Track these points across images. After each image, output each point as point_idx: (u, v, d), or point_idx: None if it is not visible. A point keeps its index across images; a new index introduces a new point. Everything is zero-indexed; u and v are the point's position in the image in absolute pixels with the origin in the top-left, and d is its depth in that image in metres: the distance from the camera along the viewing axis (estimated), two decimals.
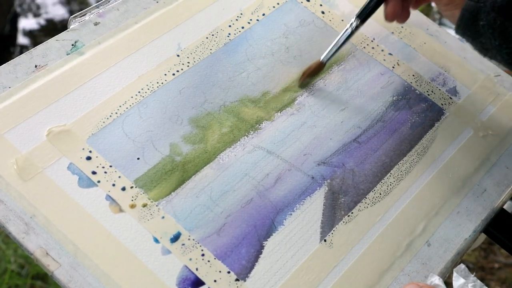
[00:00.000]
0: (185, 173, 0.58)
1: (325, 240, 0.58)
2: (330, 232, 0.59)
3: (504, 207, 0.67)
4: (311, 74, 0.68)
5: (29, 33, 2.09)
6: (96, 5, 0.67)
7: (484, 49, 0.58)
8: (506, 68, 0.63)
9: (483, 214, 0.64)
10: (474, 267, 1.50)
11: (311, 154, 0.63)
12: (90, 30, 0.65)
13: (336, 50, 0.67)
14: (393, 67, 0.72)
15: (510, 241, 0.65)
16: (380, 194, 0.62)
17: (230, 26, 0.70)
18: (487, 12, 0.55)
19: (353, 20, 0.66)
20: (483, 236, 0.67)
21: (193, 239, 0.55)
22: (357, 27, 0.66)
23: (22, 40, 2.07)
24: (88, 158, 0.57)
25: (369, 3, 0.65)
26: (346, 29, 0.66)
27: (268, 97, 0.66)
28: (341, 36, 0.67)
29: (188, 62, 0.66)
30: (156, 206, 0.56)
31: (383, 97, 0.70)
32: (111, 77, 0.63)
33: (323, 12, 0.74)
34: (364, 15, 0.66)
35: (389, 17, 0.66)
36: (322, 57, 0.67)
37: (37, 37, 2.08)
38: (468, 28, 0.58)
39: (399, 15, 0.66)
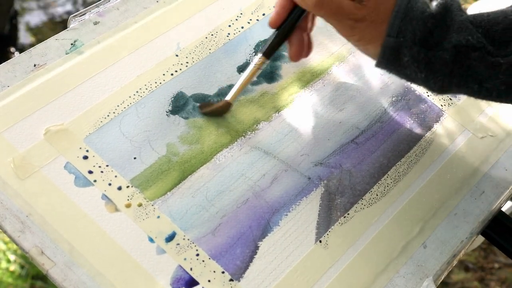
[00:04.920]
0: (181, 173, 0.59)
1: (320, 241, 0.58)
2: (325, 233, 0.59)
3: (503, 209, 0.67)
4: (215, 113, 0.63)
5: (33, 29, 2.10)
6: (96, 4, 0.67)
7: (409, 79, 0.56)
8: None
9: (480, 216, 0.64)
10: (474, 267, 1.50)
11: (308, 154, 0.63)
12: (89, 29, 0.65)
13: (243, 88, 0.63)
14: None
15: (508, 243, 0.64)
16: (377, 195, 0.62)
17: (229, 26, 0.70)
18: (409, 47, 0.53)
19: (258, 57, 0.61)
20: (482, 237, 0.67)
21: (188, 239, 0.55)
22: (262, 63, 0.62)
23: (23, 39, 2.08)
24: (85, 157, 0.57)
25: (272, 41, 0.61)
26: (251, 68, 0.62)
27: (267, 97, 0.66)
28: (247, 75, 0.62)
29: (187, 62, 0.66)
30: (152, 205, 0.56)
31: (382, 98, 0.70)
32: (109, 76, 0.63)
33: None
34: (269, 52, 0.61)
35: (293, 59, 0.62)
36: (228, 98, 0.62)
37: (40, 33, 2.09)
38: (391, 63, 0.55)
39: (304, 53, 0.63)
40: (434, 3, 0.54)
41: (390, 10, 0.54)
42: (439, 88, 0.55)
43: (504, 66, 0.52)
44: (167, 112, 0.62)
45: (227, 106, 0.63)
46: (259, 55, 0.62)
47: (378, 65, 0.56)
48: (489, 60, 0.52)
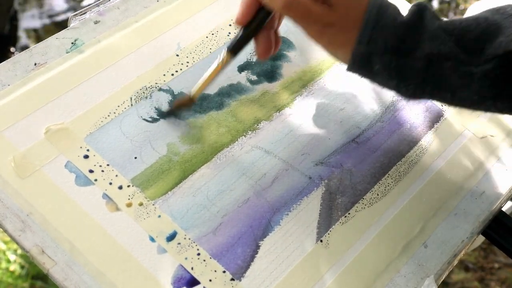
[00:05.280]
0: (182, 172, 0.59)
1: (321, 241, 0.58)
2: (326, 232, 0.59)
3: (503, 209, 0.67)
4: (178, 108, 0.62)
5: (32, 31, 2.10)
6: (96, 4, 0.67)
7: (381, 85, 0.55)
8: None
9: (481, 216, 0.64)
10: (474, 267, 1.50)
11: (309, 154, 0.63)
12: (90, 28, 0.65)
13: (207, 85, 0.61)
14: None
15: (508, 243, 0.64)
16: (378, 195, 0.62)
17: (230, 25, 0.70)
18: (380, 55, 0.52)
19: (223, 53, 0.60)
20: (483, 236, 0.67)
21: (189, 238, 0.55)
22: (228, 61, 0.60)
23: (23, 39, 2.08)
24: (86, 156, 0.57)
25: (238, 38, 0.59)
26: (217, 64, 0.60)
27: (267, 97, 0.66)
28: (211, 71, 0.60)
29: (187, 62, 0.66)
30: (153, 205, 0.56)
31: (383, 97, 0.70)
32: (110, 76, 0.63)
33: None
34: (235, 49, 0.59)
35: (261, 57, 0.60)
36: (192, 94, 0.61)
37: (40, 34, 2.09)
38: (362, 70, 0.54)
39: (272, 51, 0.61)
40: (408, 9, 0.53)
41: (360, 16, 0.53)
42: (411, 95, 0.54)
43: (477, 76, 0.51)
44: (167, 112, 0.62)
45: (189, 102, 0.62)
46: (225, 51, 0.60)
47: (349, 69, 0.55)
48: (462, 70, 0.51)
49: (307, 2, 0.53)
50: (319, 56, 0.70)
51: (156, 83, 0.63)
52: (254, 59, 0.68)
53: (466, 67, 0.51)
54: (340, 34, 0.54)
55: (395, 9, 0.53)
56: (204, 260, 0.54)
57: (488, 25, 0.52)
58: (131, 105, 0.61)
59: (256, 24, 0.58)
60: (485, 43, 0.51)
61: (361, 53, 0.53)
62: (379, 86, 0.56)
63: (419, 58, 0.51)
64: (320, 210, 0.60)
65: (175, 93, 0.63)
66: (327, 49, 0.56)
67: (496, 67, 0.50)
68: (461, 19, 0.53)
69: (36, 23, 2.13)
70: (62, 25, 2.09)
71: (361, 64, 0.53)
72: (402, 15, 0.53)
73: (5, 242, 1.47)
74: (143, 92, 0.62)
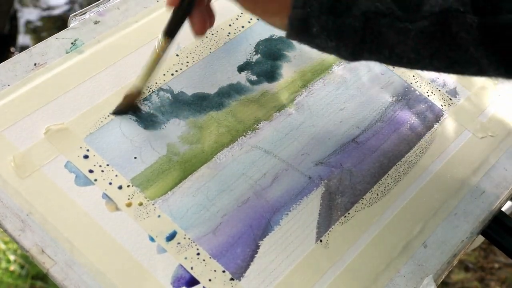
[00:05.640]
0: (182, 172, 0.59)
1: (321, 241, 0.58)
2: (326, 232, 0.59)
3: (503, 209, 0.67)
4: (128, 102, 0.61)
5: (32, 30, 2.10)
6: (96, 4, 0.67)
7: (321, 49, 0.54)
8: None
9: (481, 216, 0.64)
10: (474, 267, 1.50)
11: (309, 154, 0.63)
12: (90, 28, 0.65)
13: (150, 74, 0.60)
14: (393, 67, 0.72)
15: (508, 243, 0.64)
16: (378, 195, 0.62)
17: (230, 25, 0.70)
18: (317, 16, 0.51)
19: (159, 38, 0.58)
20: (482, 236, 0.67)
21: (189, 238, 0.55)
22: (167, 45, 0.59)
23: (23, 39, 2.08)
24: (85, 156, 0.57)
25: (172, 20, 0.58)
26: (156, 51, 0.59)
27: (267, 97, 0.66)
28: (152, 59, 0.59)
29: (187, 62, 0.66)
30: (152, 205, 0.56)
31: (383, 97, 0.70)
32: (110, 76, 0.63)
33: None
34: (171, 32, 0.58)
35: (198, 34, 0.60)
36: (137, 84, 0.60)
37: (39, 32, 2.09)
38: (300, 34, 0.53)
39: (208, 25, 0.61)
40: None
41: None
42: (350, 55, 0.53)
43: (412, 32, 0.50)
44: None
45: (137, 94, 0.61)
46: (160, 36, 0.58)
47: (288, 36, 0.54)
48: (398, 26, 0.50)
49: None
50: (319, 56, 0.70)
51: (156, 83, 0.63)
52: (254, 59, 0.68)
53: (402, 24, 0.50)
54: (273, 2, 0.53)
55: None
56: (204, 260, 0.54)
57: None
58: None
59: (187, 2, 0.57)
60: (422, 0, 0.50)
61: (298, 18, 0.52)
62: (319, 50, 0.55)
63: (356, 16, 0.51)
64: (319, 210, 0.60)
65: (175, 93, 0.63)
66: (263, 19, 0.56)
67: (432, 24, 0.49)
68: None
69: (36, 23, 2.13)
70: (62, 18, 2.09)
71: (299, 28, 0.52)
72: None
73: (5, 242, 1.47)
74: (143, 92, 0.62)
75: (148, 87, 0.63)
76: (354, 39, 0.51)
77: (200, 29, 0.60)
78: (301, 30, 0.52)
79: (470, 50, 0.50)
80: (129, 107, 0.61)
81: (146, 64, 0.60)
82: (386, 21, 0.50)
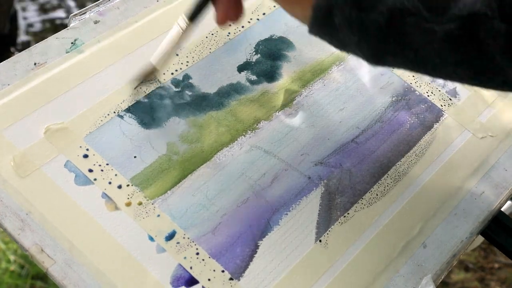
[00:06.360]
0: (181, 172, 0.59)
1: (320, 241, 0.58)
2: (325, 232, 0.59)
3: (502, 209, 0.67)
4: (144, 79, 0.62)
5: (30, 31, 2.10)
6: (96, 3, 0.67)
7: (342, 45, 0.53)
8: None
9: (480, 216, 0.64)
10: (474, 267, 1.50)
11: (308, 154, 0.63)
12: (90, 28, 0.66)
13: (170, 54, 0.60)
14: (393, 69, 0.72)
15: (508, 243, 0.64)
16: (377, 195, 0.62)
17: (230, 25, 0.70)
18: (341, 7, 0.50)
19: (180, 22, 0.58)
20: (482, 237, 0.67)
21: (188, 238, 0.55)
22: (189, 28, 0.58)
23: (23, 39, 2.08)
24: (85, 156, 0.57)
25: (195, 3, 0.57)
26: (177, 30, 0.59)
27: (267, 97, 0.66)
28: (173, 38, 0.59)
29: (187, 62, 0.66)
30: (152, 204, 0.56)
31: (383, 97, 0.70)
32: (110, 75, 0.63)
33: None
34: (194, 15, 0.58)
35: (220, 22, 0.58)
36: (153, 62, 0.61)
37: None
38: (324, 27, 0.52)
39: (232, 15, 0.58)
40: None
41: None
42: (373, 56, 0.52)
43: (438, 34, 0.49)
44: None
45: (154, 72, 0.61)
46: (181, 19, 0.58)
47: (311, 30, 0.53)
48: (424, 27, 0.49)
49: None
50: (319, 56, 0.71)
51: (156, 83, 0.63)
52: (254, 59, 0.68)
53: (428, 24, 0.49)
54: None
55: None
56: (203, 260, 0.54)
57: None
58: (131, 103, 0.61)
59: None
60: (450, 2, 0.49)
61: (323, 7, 0.51)
62: (340, 47, 0.54)
63: (381, 12, 0.49)
64: (319, 210, 0.60)
65: (175, 91, 0.63)
66: (285, 8, 0.55)
67: (459, 28, 0.48)
68: None
69: (36, 24, 2.13)
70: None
71: (322, 19, 0.51)
72: None
73: (5, 242, 1.48)
74: (144, 92, 0.62)
75: (147, 86, 0.63)
76: (378, 36, 0.50)
77: (223, 18, 0.57)
78: (324, 21, 0.51)
79: (496, 58, 0.49)
80: (145, 82, 0.61)
81: (165, 43, 0.59)
82: (412, 20, 0.49)
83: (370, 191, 0.62)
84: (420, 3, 0.49)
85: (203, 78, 0.65)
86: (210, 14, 0.59)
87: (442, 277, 0.60)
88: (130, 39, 0.66)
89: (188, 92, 0.64)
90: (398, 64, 0.53)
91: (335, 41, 0.53)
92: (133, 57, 0.65)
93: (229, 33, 0.70)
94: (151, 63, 0.61)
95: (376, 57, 0.52)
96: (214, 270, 0.54)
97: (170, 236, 0.55)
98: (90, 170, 0.56)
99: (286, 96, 0.67)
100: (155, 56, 0.61)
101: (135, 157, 0.58)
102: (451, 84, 0.73)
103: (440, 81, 0.73)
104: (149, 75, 0.62)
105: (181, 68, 0.65)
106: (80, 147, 0.58)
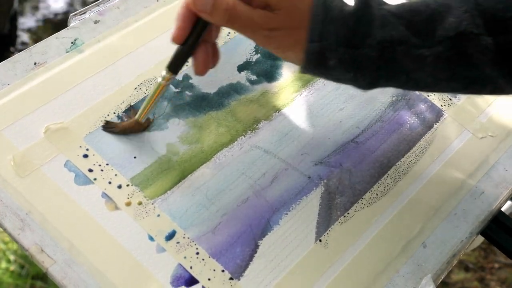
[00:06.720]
0: (181, 172, 0.59)
1: (320, 240, 0.58)
2: (325, 232, 0.59)
3: (502, 209, 0.67)
4: (125, 132, 0.60)
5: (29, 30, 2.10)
6: (96, 3, 0.67)
7: (337, 80, 0.54)
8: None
9: (480, 216, 0.64)
10: (474, 267, 1.50)
11: (308, 153, 0.63)
12: (90, 28, 0.66)
13: (152, 106, 0.58)
14: None
15: (508, 243, 0.64)
16: (377, 194, 0.62)
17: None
18: (334, 49, 0.51)
19: (163, 73, 0.56)
20: (482, 237, 0.67)
21: (188, 238, 0.55)
22: (170, 80, 0.57)
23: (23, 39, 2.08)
24: (85, 156, 0.57)
25: (177, 56, 0.56)
26: (158, 84, 0.57)
27: (267, 97, 0.66)
28: (153, 92, 0.57)
29: (187, 62, 0.66)
30: (152, 204, 0.56)
31: (383, 97, 0.70)
32: (109, 75, 0.63)
33: None
34: (175, 67, 0.56)
35: (200, 73, 0.56)
36: (137, 117, 0.59)
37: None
38: (317, 68, 0.53)
39: (211, 65, 0.57)
40: None
41: (305, 15, 0.51)
42: (367, 84, 0.53)
43: (429, 58, 0.50)
44: (167, 111, 0.62)
45: (137, 125, 0.60)
46: (164, 71, 0.56)
47: (304, 71, 0.54)
48: (415, 53, 0.50)
49: (248, 11, 0.51)
50: None
51: (156, 82, 0.63)
52: (254, 58, 0.68)
53: (418, 51, 0.50)
54: (288, 36, 0.52)
55: (340, 0, 0.52)
56: (203, 259, 0.54)
57: (438, 6, 0.51)
58: (131, 103, 0.61)
59: (193, 39, 0.54)
60: (436, 24, 0.50)
61: (315, 51, 0.51)
62: (334, 81, 0.55)
63: (372, 47, 0.50)
64: (319, 210, 0.60)
65: (175, 92, 0.63)
66: (277, 53, 0.55)
67: (448, 49, 0.50)
68: (411, 2, 0.52)
69: (36, 24, 2.13)
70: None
71: (316, 62, 0.52)
72: (348, 5, 0.51)
73: (5, 242, 1.48)
74: (144, 92, 0.62)
75: (149, 86, 0.63)
76: (371, 68, 0.51)
77: (202, 68, 0.56)
78: (318, 64, 0.52)
79: (486, 70, 0.50)
80: (129, 132, 0.60)
81: (148, 98, 0.57)
82: (402, 48, 0.50)
83: (370, 191, 0.62)
84: (407, 31, 0.50)
85: (203, 78, 0.65)
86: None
87: (442, 277, 0.60)
88: (130, 39, 0.66)
89: (188, 93, 0.64)
90: (390, 86, 0.54)
91: (329, 77, 0.54)
92: (133, 56, 0.65)
93: (229, 32, 0.70)
94: (134, 119, 0.59)
95: (370, 86, 0.53)
96: (214, 270, 0.54)
97: (170, 236, 0.55)
98: (90, 170, 0.56)
99: (286, 96, 0.67)
100: (139, 112, 0.59)
101: (135, 157, 0.58)
102: None
103: None
104: (133, 130, 0.60)
105: None
106: (80, 147, 0.58)
